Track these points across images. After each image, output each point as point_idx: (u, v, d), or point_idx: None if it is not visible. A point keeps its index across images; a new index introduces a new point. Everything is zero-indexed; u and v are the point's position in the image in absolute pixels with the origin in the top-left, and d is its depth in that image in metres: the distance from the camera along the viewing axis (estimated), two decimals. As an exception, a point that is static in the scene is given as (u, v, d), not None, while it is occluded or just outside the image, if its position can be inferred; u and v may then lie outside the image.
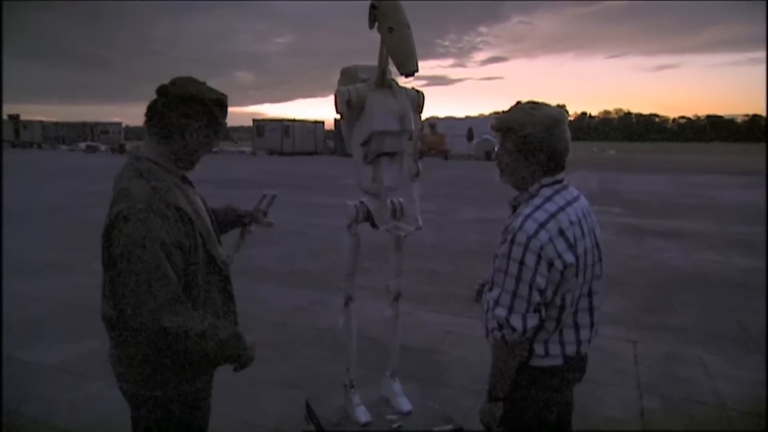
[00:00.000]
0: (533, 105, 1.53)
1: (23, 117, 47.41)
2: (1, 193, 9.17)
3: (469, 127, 31.74)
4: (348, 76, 2.50)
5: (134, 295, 1.31)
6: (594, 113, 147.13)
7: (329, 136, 37.54)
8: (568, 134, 1.52)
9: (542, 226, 1.43)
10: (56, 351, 3.78)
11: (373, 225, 2.63)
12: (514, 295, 1.43)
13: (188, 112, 1.43)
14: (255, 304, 4.60)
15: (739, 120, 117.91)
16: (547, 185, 1.52)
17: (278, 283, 5.58)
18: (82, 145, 39.94)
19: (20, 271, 5.86)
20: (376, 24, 2.21)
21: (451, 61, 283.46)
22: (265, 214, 2.00)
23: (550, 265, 1.41)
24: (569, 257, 1.43)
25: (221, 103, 1.50)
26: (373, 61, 2.42)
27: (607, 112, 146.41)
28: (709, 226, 9.12)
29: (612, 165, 27.11)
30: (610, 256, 6.70)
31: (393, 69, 2.32)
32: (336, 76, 2.58)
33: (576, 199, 1.55)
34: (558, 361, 1.53)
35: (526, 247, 1.41)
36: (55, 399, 3.13)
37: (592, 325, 1.58)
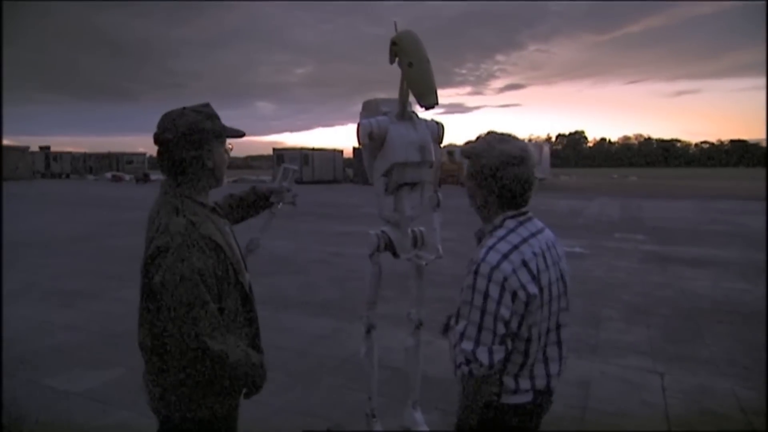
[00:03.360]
0: (501, 138, 1.54)
1: (54, 149, 49.24)
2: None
3: (487, 154, 31.76)
4: (370, 109, 2.57)
5: (179, 323, 1.39)
6: (613, 139, 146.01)
7: (348, 164, 37.97)
8: (528, 173, 1.51)
9: (505, 257, 1.43)
10: (84, 379, 3.84)
11: (395, 254, 2.65)
12: (480, 327, 1.42)
13: (194, 143, 1.51)
14: (278, 333, 4.62)
15: (764, 144, 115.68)
16: (511, 217, 1.53)
17: (301, 312, 5.60)
18: (108, 175, 41.22)
19: (49, 299, 6.02)
20: (397, 59, 2.29)
21: (468, 89, 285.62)
22: (288, 190, 2.10)
23: (514, 296, 1.41)
24: (532, 288, 1.43)
25: (210, 115, 1.56)
26: (393, 93, 2.49)
27: (627, 138, 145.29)
28: (738, 254, 8.89)
29: (634, 191, 26.77)
30: (635, 284, 6.57)
31: (413, 100, 2.39)
32: (355, 106, 2.66)
33: (540, 231, 1.56)
34: (527, 398, 1.51)
35: (489, 278, 1.41)
36: (82, 426, 3.17)
37: (561, 358, 1.57)
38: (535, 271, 1.45)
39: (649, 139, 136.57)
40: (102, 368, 4.00)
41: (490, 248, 1.46)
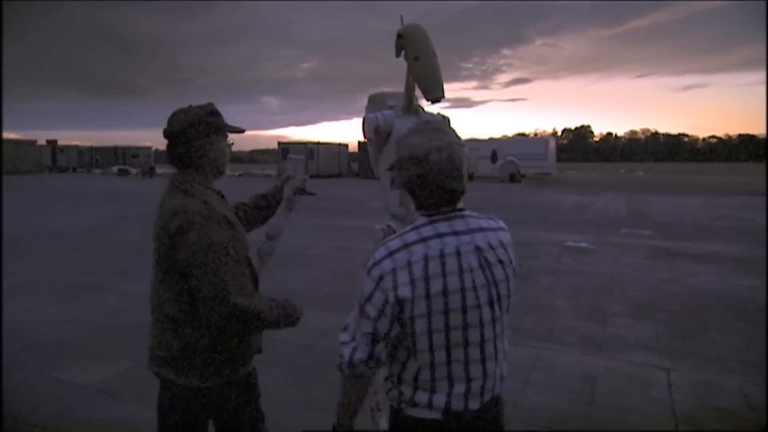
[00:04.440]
0: (423, 130, 1.36)
1: (61, 143, 49.48)
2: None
3: (492, 149, 31.62)
4: (376, 102, 2.55)
5: (211, 287, 1.52)
6: (620, 134, 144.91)
7: (354, 158, 37.92)
8: (432, 177, 1.31)
9: (391, 254, 1.31)
10: (91, 371, 3.87)
11: (400, 249, 2.65)
12: (357, 323, 1.35)
13: (196, 135, 1.67)
14: (282, 327, 4.63)
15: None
16: (427, 213, 1.37)
17: (306, 306, 5.60)
18: (114, 168, 41.39)
19: (56, 292, 6.06)
20: (403, 52, 2.27)
21: (474, 83, 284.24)
22: (304, 180, 2.38)
23: (386, 297, 1.29)
24: (405, 292, 1.28)
25: (212, 112, 1.74)
26: (398, 87, 2.47)
27: (633, 133, 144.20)
28: (746, 250, 8.82)
29: (640, 186, 26.61)
30: (641, 280, 6.52)
31: (419, 94, 2.37)
32: (360, 101, 2.64)
33: (461, 232, 1.35)
34: (434, 415, 1.35)
35: (368, 273, 1.33)
36: (89, 419, 3.20)
37: (468, 379, 1.35)
38: (419, 275, 1.28)
39: (656, 133, 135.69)
40: (109, 361, 4.02)
41: (384, 243, 1.36)
